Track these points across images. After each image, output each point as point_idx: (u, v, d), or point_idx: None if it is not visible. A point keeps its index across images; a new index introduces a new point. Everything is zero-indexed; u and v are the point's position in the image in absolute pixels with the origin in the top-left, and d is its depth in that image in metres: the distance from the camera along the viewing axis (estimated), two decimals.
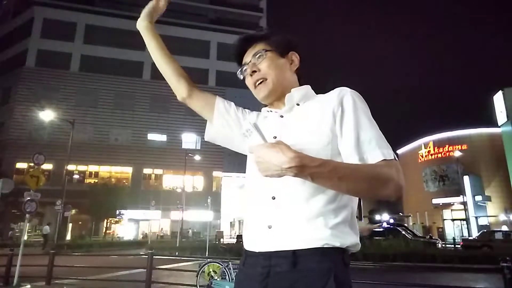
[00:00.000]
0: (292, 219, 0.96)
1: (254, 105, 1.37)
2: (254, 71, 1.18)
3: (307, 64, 1.27)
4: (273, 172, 0.86)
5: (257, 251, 0.99)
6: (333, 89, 1.10)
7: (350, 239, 0.97)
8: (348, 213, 0.99)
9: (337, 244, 0.95)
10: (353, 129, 0.99)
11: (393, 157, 0.96)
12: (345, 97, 1.04)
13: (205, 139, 1.35)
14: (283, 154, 0.84)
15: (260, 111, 1.30)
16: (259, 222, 1.01)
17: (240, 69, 1.25)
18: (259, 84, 1.18)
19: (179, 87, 1.35)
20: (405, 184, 0.96)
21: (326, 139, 1.01)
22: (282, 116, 1.15)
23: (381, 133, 1.00)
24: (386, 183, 0.91)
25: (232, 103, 1.35)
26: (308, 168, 0.85)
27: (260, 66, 1.17)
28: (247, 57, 1.22)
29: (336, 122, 1.02)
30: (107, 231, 33.65)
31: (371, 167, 0.93)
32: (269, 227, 0.98)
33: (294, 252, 0.93)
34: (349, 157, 0.97)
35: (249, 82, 1.22)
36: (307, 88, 1.19)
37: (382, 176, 0.91)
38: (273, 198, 1.00)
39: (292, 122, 1.10)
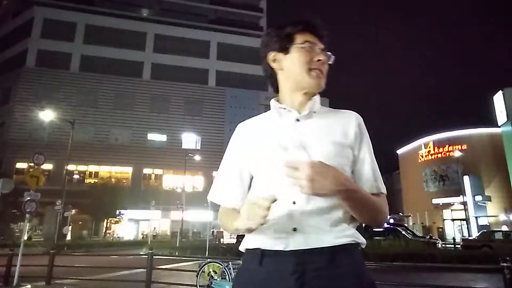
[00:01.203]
0: (319, 222, 1.01)
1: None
2: (323, 62, 1.16)
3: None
4: (325, 191, 0.92)
5: (286, 250, 0.99)
6: (344, 110, 1.19)
7: (363, 238, 1.08)
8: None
9: (359, 241, 1.05)
10: (370, 160, 1.13)
11: (385, 191, 1.13)
12: (361, 126, 1.15)
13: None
14: (339, 175, 0.94)
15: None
16: (281, 224, 1.01)
17: (323, 48, 1.17)
18: (317, 72, 1.14)
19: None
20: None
21: (346, 157, 1.09)
22: (298, 120, 1.13)
23: None
24: (382, 215, 1.08)
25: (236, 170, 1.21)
26: (352, 192, 0.97)
27: (325, 62, 1.17)
28: (319, 42, 1.17)
29: (356, 147, 1.11)
30: (107, 231, 33.67)
31: (379, 199, 1.09)
32: (294, 229, 1.00)
33: (330, 248, 0.98)
34: (368, 184, 1.10)
35: (302, 58, 1.14)
36: (318, 97, 1.21)
37: (383, 208, 1.08)
38: (294, 203, 1.02)
39: (311, 130, 1.11)
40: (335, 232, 1.01)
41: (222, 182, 1.23)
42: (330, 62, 1.19)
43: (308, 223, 1.00)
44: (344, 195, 0.95)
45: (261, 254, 1.02)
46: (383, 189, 1.11)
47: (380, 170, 1.16)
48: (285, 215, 1.01)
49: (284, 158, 1.00)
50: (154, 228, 31.99)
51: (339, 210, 1.03)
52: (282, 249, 1.00)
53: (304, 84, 1.14)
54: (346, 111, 1.18)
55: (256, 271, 1.02)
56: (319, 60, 1.14)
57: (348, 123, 1.13)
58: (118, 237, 32.25)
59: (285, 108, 1.15)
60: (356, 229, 1.09)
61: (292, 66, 1.15)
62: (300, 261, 0.97)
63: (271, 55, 1.19)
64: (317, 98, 1.17)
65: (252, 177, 1.17)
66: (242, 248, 1.12)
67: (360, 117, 1.17)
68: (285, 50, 1.17)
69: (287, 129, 1.11)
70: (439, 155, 41.13)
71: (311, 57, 1.14)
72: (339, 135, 1.10)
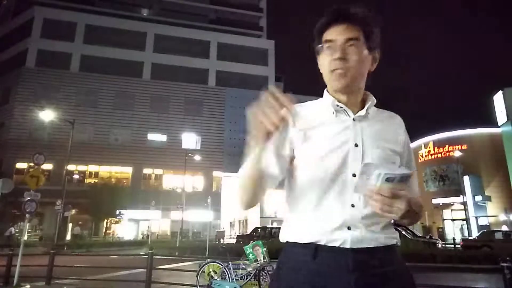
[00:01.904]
0: (371, 225, 1.05)
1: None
2: (341, 58, 1.05)
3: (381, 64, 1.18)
4: (394, 213, 0.93)
5: (344, 246, 1.01)
6: (392, 112, 1.22)
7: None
8: None
9: (399, 243, 1.13)
10: (414, 164, 1.19)
11: None
12: (405, 130, 1.19)
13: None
14: (410, 202, 0.94)
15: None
16: (335, 222, 1.03)
17: (324, 44, 1.09)
18: (338, 73, 1.06)
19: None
20: None
21: (397, 158, 1.12)
22: (354, 120, 1.10)
23: None
24: (419, 218, 1.11)
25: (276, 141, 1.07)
26: (415, 212, 1.01)
27: (350, 56, 1.05)
28: (339, 35, 1.07)
29: (405, 154, 1.16)
30: (107, 231, 33.67)
31: (421, 204, 1.12)
32: (349, 228, 1.03)
33: (385, 247, 1.05)
34: (413, 188, 1.15)
35: (325, 61, 1.09)
36: (373, 97, 1.16)
37: (422, 212, 1.12)
38: (353, 206, 1.04)
39: (369, 132, 1.10)
40: (386, 233, 1.07)
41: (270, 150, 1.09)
42: (357, 54, 1.06)
43: (363, 224, 1.04)
44: (405, 215, 0.95)
45: (315, 249, 1.02)
46: (418, 193, 1.20)
47: None
48: (342, 215, 1.03)
49: (341, 159, 1.04)
50: (148, 227, 32.23)
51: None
52: (338, 245, 1.01)
53: (333, 87, 1.10)
54: (394, 115, 1.21)
55: (310, 264, 1.02)
56: (337, 58, 1.06)
57: (399, 130, 1.17)
58: (118, 237, 32.25)
59: (342, 107, 1.10)
60: None
61: (322, 69, 1.13)
62: (358, 259, 1.00)
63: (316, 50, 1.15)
64: (371, 98, 1.14)
65: (293, 158, 1.10)
66: (284, 239, 1.10)
67: (403, 121, 1.22)
68: (317, 51, 1.13)
69: (346, 129, 1.09)
70: (439, 155, 41.12)
71: (332, 57, 1.07)
72: (391, 141, 1.13)
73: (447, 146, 40.39)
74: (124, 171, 36.93)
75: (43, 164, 9.13)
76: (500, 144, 35.86)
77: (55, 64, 36.61)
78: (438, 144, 41.49)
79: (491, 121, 37.82)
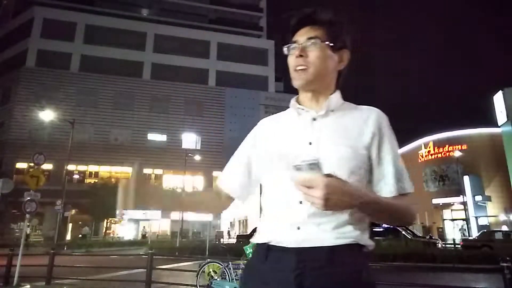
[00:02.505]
0: (323, 222, 1.02)
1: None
2: (301, 55, 1.12)
3: (353, 66, 1.22)
4: (340, 207, 0.93)
5: (289, 246, 1.02)
6: (364, 105, 1.17)
7: (370, 240, 1.07)
8: (367, 220, 1.09)
9: (363, 242, 1.03)
10: (393, 161, 1.10)
11: (413, 190, 1.11)
12: (383, 124, 1.12)
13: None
14: (355, 192, 0.94)
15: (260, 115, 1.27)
16: (286, 222, 1.05)
17: (288, 45, 1.16)
18: (300, 70, 1.12)
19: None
20: None
21: (361, 156, 1.07)
22: (314, 119, 1.13)
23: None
24: (410, 217, 1.08)
25: (239, 162, 1.27)
26: (370, 204, 0.98)
27: (310, 53, 1.11)
28: (301, 36, 1.14)
29: (373, 148, 1.09)
30: (107, 231, 33.66)
31: (404, 202, 1.07)
32: (298, 228, 1.03)
33: (330, 248, 0.99)
34: (388, 185, 1.08)
35: (291, 62, 1.14)
36: (339, 94, 1.18)
37: (409, 210, 1.07)
38: (300, 202, 1.03)
39: (327, 130, 1.10)
40: (337, 233, 1.01)
41: (229, 168, 1.27)
42: (311, 50, 1.11)
43: (312, 222, 1.02)
44: (361, 208, 0.97)
45: (267, 249, 1.06)
46: (410, 189, 1.09)
47: None
48: (291, 213, 1.04)
49: (296, 160, 0.96)
50: (144, 227, 32.30)
51: (344, 213, 1.02)
52: (285, 245, 1.02)
53: (296, 84, 1.15)
54: (367, 108, 1.15)
55: (262, 264, 1.06)
56: (298, 55, 1.12)
57: (366, 122, 1.10)
58: (118, 237, 32.24)
59: (303, 109, 1.15)
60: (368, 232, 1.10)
61: (289, 70, 1.17)
62: (301, 259, 0.99)
63: None
64: (333, 96, 1.15)
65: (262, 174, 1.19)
66: (254, 241, 1.16)
67: (382, 114, 1.13)
68: (285, 53, 1.18)
69: (303, 129, 1.12)
70: (439, 155, 41.12)
71: (294, 56, 1.13)
72: (355, 135, 1.08)
73: (447, 146, 40.38)
74: (124, 171, 36.92)
75: (43, 164, 9.12)
76: (500, 144, 35.85)
77: (55, 64, 36.61)
78: (438, 144, 41.48)
79: (491, 121, 37.82)
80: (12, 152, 31.91)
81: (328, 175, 0.90)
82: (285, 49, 1.17)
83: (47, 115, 23.64)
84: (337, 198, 0.90)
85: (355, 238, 1.02)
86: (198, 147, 37.55)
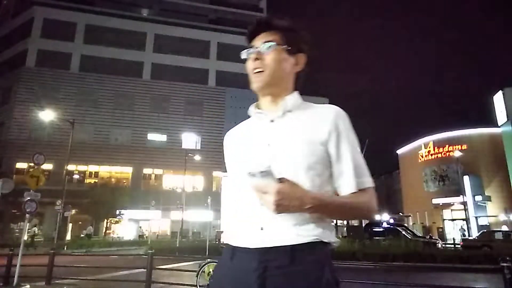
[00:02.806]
0: (284, 222, 1.04)
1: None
2: (257, 58, 1.17)
3: (312, 69, 1.27)
4: (292, 211, 0.99)
5: (251, 247, 1.04)
6: (325, 105, 1.18)
7: (334, 237, 1.09)
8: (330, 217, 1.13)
9: (326, 240, 1.05)
10: (351, 158, 1.10)
11: (373, 184, 1.12)
12: (341, 121, 1.12)
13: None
14: (305, 196, 0.98)
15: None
16: (250, 223, 1.08)
17: (247, 50, 1.21)
18: (257, 72, 1.17)
19: None
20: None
21: (318, 153, 1.08)
22: (272, 121, 1.16)
23: (364, 161, 1.14)
24: (369, 211, 1.10)
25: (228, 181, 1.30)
26: (322, 206, 1.01)
27: (266, 56, 1.17)
28: (258, 41, 1.20)
29: (331, 144, 1.10)
30: (107, 231, 33.66)
31: (362, 198, 1.08)
32: (261, 228, 1.05)
33: (291, 247, 1.01)
34: (347, 182, 1.10)
35: (249, 66, 1.20)
36: (297, 95, 1.22)
37: (366, 205, 1.08)
38: (262, 204, 1.04)
39: (283, 130, 1.13)
40: (298, 231, 1.03)
41: (226, 214, 1.31)
42: (260, 56, 1.17)
43: (274, 222, 1.04)
44: (311, 211, 0.99)
45: (233, 250, 1.10)
46: (368, 184, 1.10)
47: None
48: (253, 215, 1.07)
49: (252, 165, 1.00)
50: (140, 227, 32.36)
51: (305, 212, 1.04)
52: (248, 246, 1.05)
53: (254, 87, 1.19)
54: (325, 106, 1.17)
55: (228, 266, 1.09)
56: (254, 58, 1.17)
57: (323, 120, 1.12)
58: (118, 237, 32.25)
59: (261, 112, 1.19)
60: (334, 228, 1.12)
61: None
62: (262, 259, 1.01)
63: None
64: (289, 97, 1.18)
65: None
66: (222, 241, 1.17)
67: (340, 112, 1.15)
68: (245, 58, 1.24)
69: (262, 131, 1.16)
70: (439, 155, 41.15)
71: (252, 59, 1.19)
72: (311, 133, 1.10)
73: (447, 146, 40.42)
74: (124, 171, 36.93)
75: (43, 164, 9.13)
76: (500, 144, 35.89)
77: (55, 64, 36.60)
78: (438, 144, 41.51)
79: (491, 121, 37.88)
80: (12, 152, 31.91)
81: (281, 180, 0.96)
82: (243, 54, 1.22)
83: (47, 115, 23.65)
84: (288, 203, 0.96)
85: (317, 235, 1.03)
86: (198, 147, 37.54)
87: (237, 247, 1.08)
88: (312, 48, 1.26)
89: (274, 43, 1.16)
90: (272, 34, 1.18)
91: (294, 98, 1.19)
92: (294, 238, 1.02)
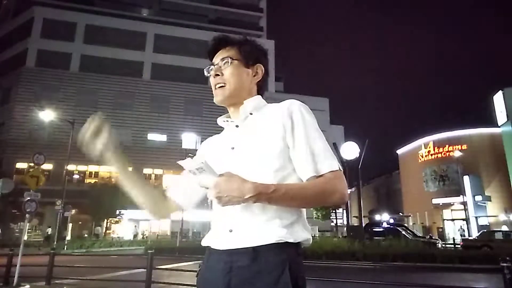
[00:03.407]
0: (250, 223, 1.07)
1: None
2: (217, 74, 1.26)
3: (268, 77, 1.35)
4: (234, 203, 1.00)
5: (220, 249, 1.09)
6: (284, 101, 1.22)
7: (302, 235, 1.08)
8: (299, 213, 1.11)
9: (291, 240, 1.05)
10: (305, 143, 1.11)
11: (337, 168, 1.09)
12: (294, 111, 1.15)
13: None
14: (242, 186, 0.98)
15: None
16: (221, 226, 1.13)
17: (207, 68, 1.32)
18: (219, 87, 1.25)
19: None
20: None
21: (278, 148, 1.11)
22: (237, 126, 1.23)
23: (327, 145, 1.13)
24: (332, 195, 1.06)
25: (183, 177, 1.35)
26: (264, 194, 1.00)
27: (224, 71, 1.25)
28: (217, 59, 1.30)
29: (287, 134, 1.12)
30: (107, 231, 33.66)
31: (318, 182, 1.07)
32: (230, 230, 1.09)
33: (254, 248, 1.04)
34: (303, 168, 1.09)
35: (212, 82, 1.29)
36: (258, 98, 1.27)
37: (328, 189, 1.06)
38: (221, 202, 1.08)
39: (246, 132, 1.19)
40: (262, 232, 1.05)
41: (178, 179, 1.39)
42: (218, 72, 1.27)
43: (241, 223, 1.08)
44: (259, 199, 1.00)
45: (208, 252, 1.16)
46: (330, 168, 1.08)
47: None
48: (224, 216, 1.12)
49: (219, 165, 1.06)
50: (135, 226, 32.46)
51: (270, 210, 1.06)
52: (218, 248, 1.11)
53: (216, 101, 1.28)
54: (283, 102, 1.20)
55: (205, 267, 1.15)
56: (214, 75, 1.27)
57: (278, 115, 1.16)
58: (118, 237, 32.24)
59: (227, 120, 1.28)
60: (305, 225, 1.12)
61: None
62: (228, 260, 1.06)
63: None
64: (248, 101, 1.24)
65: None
66: (202, 243, 1.24)
67: (295, 103, 1.18)
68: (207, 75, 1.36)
69: (228, 137, 1.24)
70: (439, 155, 41.14)
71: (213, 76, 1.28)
72: (270, 131, 1.14)
73: (447, 146, 40.42)
74: None
75: (43, 164, 9.12)
76: (500, 144, 35.89)
77: (55, 64, 36.58)
78: (438, 144, 41.51)
79: (491, 121, 37.89)
80: (12, 152, 31.90)
81: (221, 174, 1.00)
82: (205, 72, 1.33)
83: (47, 115, 23.64)
84: (227, 194, 0.98)
85: (280, 236, 1.04)
86: (198, 147, 37.52)
87: (212, 248, 1.14)
88: (267, 58, 1.34)
89: (230, 58, 1.25)
90: (228, 50, 1.28)
91: (254, 100, 1.25)
92: (258, 239, 1.04)
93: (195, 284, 1.20)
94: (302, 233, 1.09)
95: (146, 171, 37.23)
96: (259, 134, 1.15)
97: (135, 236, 29.46)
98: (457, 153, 33.67)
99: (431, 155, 42.23)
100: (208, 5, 46.28)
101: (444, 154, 40.52)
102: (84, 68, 37.84)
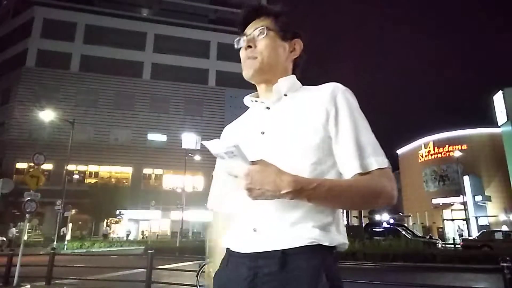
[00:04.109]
0: (278, 222, 0.93)
1: None
2: (249, 46, 1.10)
3: (308, 58, 1.18)
4: (267, 197, 0.86)
5: (242, 252, 0.96)
6: (323, 84, 1.06)
7: (337, 238, 0.95)
8: (335, 213, 0.97)
9: (326, 243, 0.91)
10: (351, 133, 0.96)
11: (387, 165, 0.95)
12: (339, 95, 1.00)
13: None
14: (279, 179, 0.84)
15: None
16: (243, 224, 0.99)
17: (237, 39, 1.15)
18: (249, 60, 1.10)
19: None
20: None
21: (318, 138, 0.96)
22: (268, 108, 1.08)
23: (376, 139, 0.99)
24: (380, 196, 0.91)
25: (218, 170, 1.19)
26: (305, 191, 0.85)
27: (258, 43, 1.09)
28: (250, 29, 1.12)
29: (330, 122, 0.98)
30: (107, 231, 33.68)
31: (365, 181, 0.92)
32: (254, 230, 0.95)
33: (283, 251, 0.90)
34: (348, 163, 0.94)
35: (242, 55, 1.12)
36: (293, 78, 1.12)
37: (377, 189, 0.91)
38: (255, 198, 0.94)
39: (280, 115, 1.04)
40: (292, 233, 0.91)
41: (212, 187, 1.24)
42: (249, 43, 1.10)
43: (267, 223, 0.94)
44: (298, 196, 0.85)
45: (228, 255, 1.01)
46: (379, 164, 0.93)
47: None
48: (247, 214, 0.98)
49: (250, 152, 0.89)
50: (129, 231, 32.70)
51: (304, 207, 0.92)
52: (240, 251, 0.97)
53: (246, 75, 1.12)
54: (324, 85, 1.05)
55: (224, 270, 1.01)
56: (246, 46, 1.11)
57: (320, 99, 1.00)
58: (118, 237, 32.26)
59: (256, 101, 1.12)
60: (341, 228, 0.98)
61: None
62: (252, 265, 0.92)
63: None
64: (283, 79, 1.09)
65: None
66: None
67: (339, 86, 1.02)
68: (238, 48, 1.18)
69: (257, 119, 1.09)
70: (439, 155, 41.13)
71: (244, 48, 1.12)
72: (308, 116, 0.99)
73: (447, 146, 40.41)
74: (124, 171, 36.92)
75: (43, 164, 9.13)
76: (500, 144, 35.86)
77: (55, 64, 36.58)
78: (438, 144, 41.50)
79: (491, 121, 37.85)
80: (12, 152, 31.91)
81: (254, 162, 0.84)
82: (235, 43, 1.15)
83: (47, 115, 23.65)
84: (260, 187, 0.84)
85: (313, 238, 0.90)
86: (198, 147, 37.54)
87: (232, 251, 1.00)
88: (308, 34, 1.17)
89: (266, 28, 1.09)
90: (263, 19, 1.12)
91: (289, 80, 1.10)
92: (287, 241, 0.90)
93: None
94: (337, 235, 0.95)
95: (146, 171, 37.25)
96: (296, 120, 1.00)
97: (128, 236, 29.24)
98: (457, 153, 33.66)
99: (431, 155, 42.22)
100: (208, 5, 46.27)
101: (444, 154, 40.51)
102: (84, 68, 37.84)
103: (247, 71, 1.10)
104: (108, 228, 28.38)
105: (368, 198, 0.91)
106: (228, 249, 1.02)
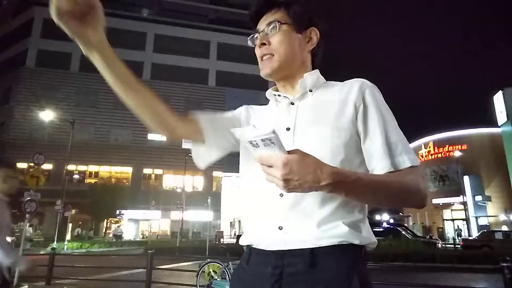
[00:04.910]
0: (305, 220, 0.90)
1: (252, 105, 1.33)
2: (263, 43, 1.06)
3: (328, 44, 1.13)
4: (305, 189, 0.78)
5: (267, 249, 0.92)
6: (347, 80, 1.05)
7: (367, 237, 0.92)
8: (363, 211, 0.95)
9: (356, 242, 0.88)
10: (381, 130, 0.93)
11: (418, 163, 0.93)
12: (367, 91, 0.97)
13: (202, 167, 1.21)
14: (319, 170, 0.77)
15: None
16: (268, 222, 0.94)
17: (251, 36, 1.10)
18: (266, 59, 1.06)
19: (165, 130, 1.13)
20: None
21: (347, 135, 0.94)
22: (292, 103, 1.05)
23: (404, 136, 0.96)
24: (414, 195, 0.90)
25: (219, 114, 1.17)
26: (344, 184, 0.80)
27: (272, 39, 1.05)
28: (262, 24, 1.08)
29: (359, 118, 0.95)
30: (107, 231, 33.67)
31: (401, 177, 0.88)
32: (280, 228, 0.91)
33: (311, 250, 0.86)
34: (378, 161, 0.92)
35: (257, 53, 1.09)
36: (317, 73, 1.08)
37: (412, 187, 0.89)
38: (281, 195, 0.92)
39: (305, 112, 1.01)
40: (321, 231, 0.88)
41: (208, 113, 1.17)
42: (264, 40, 1.06)
43: (294, 220, 0.90)
44: (337, 188, 0.80)
45: (249, 252, 0.98)
46: (409, 162, 0.90)
47: None
48: (272, 210, 0.94)
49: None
50: (118, 226, 32.57)
51: (332, 204, 0.89)
52: (264, 248, 0.93)
53: (263, 74, 1.10)
54: (350, 81, 1.03)
55: (244, 269, 0.98)
56: (260, 44, 1.08)
57: (348, 95, 0.98)
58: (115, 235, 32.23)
59: (280, 95, 1.09)
60: (368, 226, 0.96)
61: None
62: (278, 263, 0.89)
63: None
64: (308, 75, 1.05)
65: (235, 145, 1.15)
66: (241, 243, 1.07)
67: (367, 83, 1.00)
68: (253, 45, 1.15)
69: (281, 115, 1.05)
70: (439, 155, 41.12)
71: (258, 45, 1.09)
72: (336, 112, 0.97)
73: (447, 146, 40.39)
74: (124, 171, 36.93)
75: (43, 164, 9.14)
76: (500, 144, 35.84)
77: (55, 64, 36.59)
78: (438, 144, 41.49)
79: (491, 121, 37.84)
80: (12, 152, 31.90)
81: (291, 152, 0.78)
82: (249, 42, 1.12)
83: (47, 115, 23.65)
84: (298, 178, 0.76)
85: (343, 237, 0.87)
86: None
87: (254, 248, 0.96)
88: (324, 20, 1.12)
89: (277, 22, 1.04)
90: (274, 13, 1.07)
91: (314, 75, 1.06)
92: (316, 239, 0.87)
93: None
94: (366, 234, 0.92)
95: (146, 171, 37.26)
96: (323, 116, 0.97)
97: (119, 237, 28.52)
98: (457, 153, 33.66)
99: (431, 155, 42.21)
100: (208, 5, 46.27)
101: (444, 154, 40.50)
102: (84, 68, 37.81)
103: (266, 71, 1.07)
104: (121, 229, 28.65)
105: (404, 195, 0.89)
106: (249, 247, 0.99)
